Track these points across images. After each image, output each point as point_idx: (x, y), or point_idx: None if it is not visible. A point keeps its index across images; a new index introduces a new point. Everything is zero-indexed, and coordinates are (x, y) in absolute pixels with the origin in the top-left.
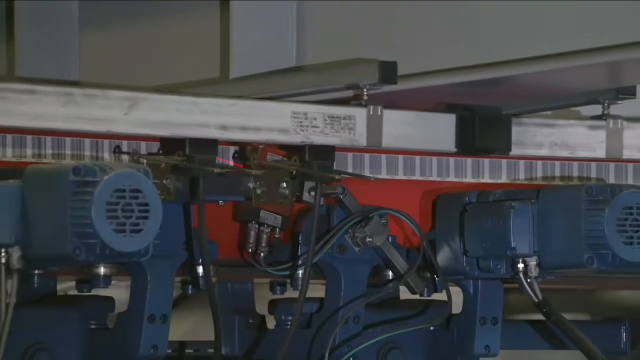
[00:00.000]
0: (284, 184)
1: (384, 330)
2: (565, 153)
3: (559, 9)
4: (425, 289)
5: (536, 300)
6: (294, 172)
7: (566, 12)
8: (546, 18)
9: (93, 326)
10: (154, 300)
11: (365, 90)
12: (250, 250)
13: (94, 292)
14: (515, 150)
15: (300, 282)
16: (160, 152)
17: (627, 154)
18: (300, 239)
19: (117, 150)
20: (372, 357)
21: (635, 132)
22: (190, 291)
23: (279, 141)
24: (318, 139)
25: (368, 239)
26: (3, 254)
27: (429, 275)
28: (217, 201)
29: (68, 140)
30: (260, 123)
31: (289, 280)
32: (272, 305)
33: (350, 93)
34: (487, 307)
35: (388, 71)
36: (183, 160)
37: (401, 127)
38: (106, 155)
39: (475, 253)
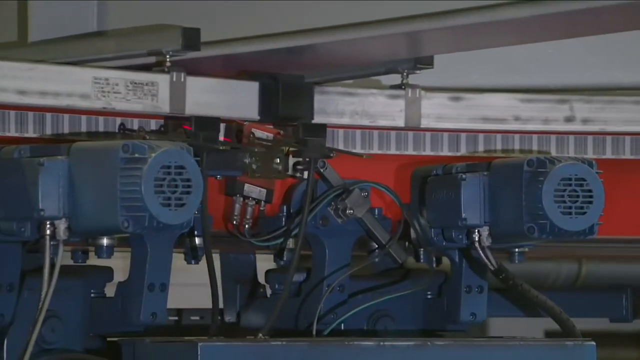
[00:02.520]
0: (278, 160)
1: (373, 297)
2: (366, 122)
3: None
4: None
5: (492, 268)
6: (287, 149)
7: None
8: None
9: (93, 295)
10: (153, 270)
11: (168, 56)
12: (234, 223)
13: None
14: (317, 119)
15: (285, 254)
16: (162, 129)
17: (424, 123)
18: (285, 211)
19: (122, 128)
20: (362, 324)
21: (432, 102)
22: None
23: (79, 107)
24: (120, 105)
25: (349, 211)
26: (48, 226)
27: (412, 246)
28: (216, 176)
29: None
30: (60, 88)
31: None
32: (267, 275)
33: (154, 59)
34: (472, 276)
35: (191, 38)
36: (188, 137)
37: (205, 94)
38: None
39: (435, 224)
